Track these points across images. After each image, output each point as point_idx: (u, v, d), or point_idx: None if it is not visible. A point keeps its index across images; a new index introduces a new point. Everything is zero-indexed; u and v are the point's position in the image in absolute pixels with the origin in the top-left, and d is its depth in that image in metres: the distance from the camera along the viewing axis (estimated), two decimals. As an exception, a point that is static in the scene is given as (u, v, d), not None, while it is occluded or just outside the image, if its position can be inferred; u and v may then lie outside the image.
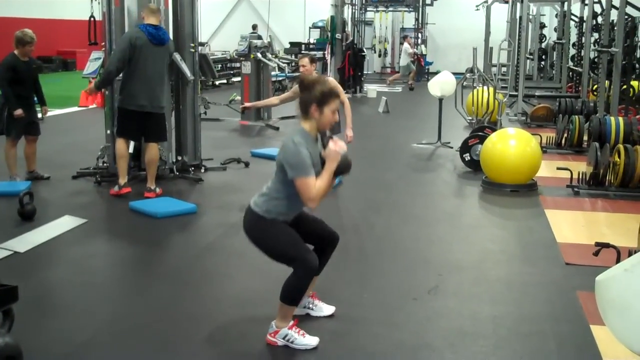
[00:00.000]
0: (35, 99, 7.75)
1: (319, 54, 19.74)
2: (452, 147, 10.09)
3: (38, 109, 7.84)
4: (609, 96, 11.02)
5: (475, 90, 11.66)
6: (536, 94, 15.49)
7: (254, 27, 22.71)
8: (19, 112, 7.29)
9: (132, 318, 4.26)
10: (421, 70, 22.30)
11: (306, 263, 3.71)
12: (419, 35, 24.26)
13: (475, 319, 4.26)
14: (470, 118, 12.21)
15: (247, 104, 8.42)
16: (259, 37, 13.38)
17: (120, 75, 7.09)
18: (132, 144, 7.56)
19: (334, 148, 3.70)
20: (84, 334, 3.99)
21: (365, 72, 20.74)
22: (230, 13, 28.28)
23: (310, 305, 4.21)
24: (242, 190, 7.59)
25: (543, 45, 21.75)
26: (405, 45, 21.18)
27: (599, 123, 9.25)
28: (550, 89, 17.04)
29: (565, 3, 17.14)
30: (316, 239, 4.00)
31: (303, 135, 3.72)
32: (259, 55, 12.80)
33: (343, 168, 3.76)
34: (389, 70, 26.58)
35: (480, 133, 8.89)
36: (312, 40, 23.91)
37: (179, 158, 8.15)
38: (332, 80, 7.45)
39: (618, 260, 4.35)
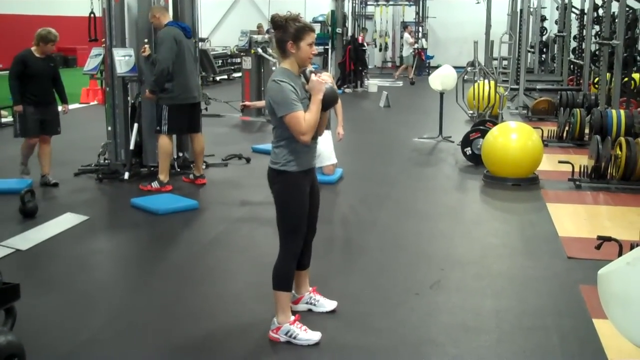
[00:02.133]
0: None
1: (319, 48, 19.73)
2: (453, 141, 10.08)
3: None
4: (610, 89, 10.99)
5: (476, 84, 11.64)
6: (537, 87, 15.44)
7: (259, 26, 22.63)
8: (18, 107, 7.20)
9: (134, 315, 4.27)
10: (422, 64, 22.26)
11: (292, 244, 3.80)
12: (420, 28, 24.19)
13: (478, 313, 4.26)
14: (471, 112, 12.19)
15: (247, 103, 8.42)
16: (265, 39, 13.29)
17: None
18: (133, 139, 7.57)
19: (317, 79, 3.69)
20: (87, 331, 3.99)
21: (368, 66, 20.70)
22: (230, 8, 28.23)
23: (312, 301, 4.21)
24: (244, 186, 7.59)
25: (544, 38, 21.70)
26: (406, 35, 21.17)
27: (601, 116, 9.23)
28: (551, 82, 16.99)
29: (566, -5, 17.09)
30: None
31: (284, 73, 3.72)
32: (260, 50, 12.78)
33: (329, 100, 3.75)
34: (389, 64, 26.54)
35: (481, 127, 8.88)
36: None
37: (180, 154, 8.16)
38: (327, 74, 7.46)
39: (620, 254, 4.34)
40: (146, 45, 7.39)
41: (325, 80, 3.72)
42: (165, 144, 7.23)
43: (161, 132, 7.22)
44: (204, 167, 8.19)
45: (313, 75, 3.73)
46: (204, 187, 7.47)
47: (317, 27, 24.60)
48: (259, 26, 21.36)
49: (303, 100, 3.69)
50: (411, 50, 20.88)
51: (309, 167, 3.87)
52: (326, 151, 7.60)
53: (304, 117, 3.63)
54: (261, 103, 9.72)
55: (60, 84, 7.56)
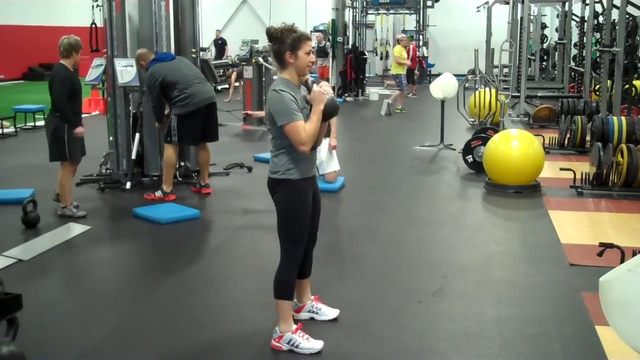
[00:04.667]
0: None
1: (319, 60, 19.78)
2: (454, 149, 10.09)
3: None
4: (611, 96, 11.00)
5: (477, 92, 11.66)
6: (538, 94, 15.46)
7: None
8: (80, 129, 6.50)
9: (137, 324, 4.26)
10: (423, 72, 22.29)
11: (293, 252, 3.79)
12: (420, 37, 24.24)
13: (480, 320, 4.26)
14: (472, 120, 12.20)
15: (249, 112, 8.44)
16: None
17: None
18: (135, 149, 7.59)
19: (319, 90, 3.70)
20: (89, 341, 3.99)
21: (367, 75, 20.73)
22: (231, 18, 28.31)
23: (314, 309, 4.21)
24: (245, 195, 7.60)
25: (545, 45, 21.73)
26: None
27: (602, 123, 9.24)
28: (552, 90, 17.00)
29: (566, 3, 17.10)
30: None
31: (284, 83, 3.72)
32: (261, 59, 12.82)
33: (330, 110, 3.74)
34: (390, 72, 26.56)
35: (482, 134, 8.88)
36: (313, 44, 23.90)
37: (182, 164, 8.17)
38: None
39: (622, 261, 4.34)
40: None
41: (327, 90, 3.74)
42: (170, 155, 7.26)
43: (171, 142, 7.25)
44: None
45: (315, 85, 3.74)
46: (206, 197, 7.48)
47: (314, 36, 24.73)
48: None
49: (303, 110, 3.70)
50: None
51: (311, 175, 3.87)
52: (329, 158, 7.61)
53: (304, 127, 3.63)
54: (263, 113, 9.77)
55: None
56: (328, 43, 18.58)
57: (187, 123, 7.20)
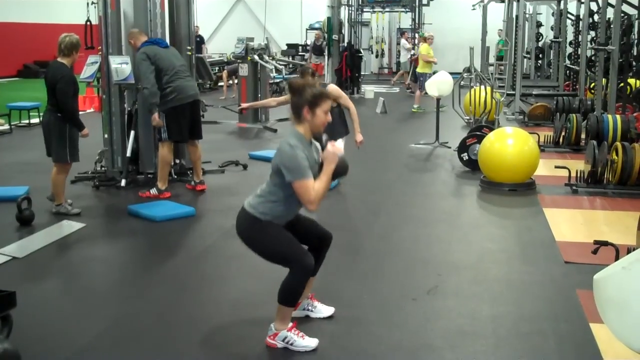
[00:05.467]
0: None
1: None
2: (450, 147, 10.10)
3: None
4: (606, 94, 11.02)
5: (472, 90, 11.66)
6: (533, 92, 15.47)
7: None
8: (86, 131, 6.46)
9: (131, 322, 4.26)
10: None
11: (302, 263, 3.72)
12: (416, 35, 24.25)
13: (475, 318, 4.27)
14: (467, 118, 12.20)
15: (244, 105, 8.45)
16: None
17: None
18: (130, 147, 7.57)
19: (332, 150, 3.71)
20: (83, 339, 3.98)
21: (362, 73, 20.74)
22: (226, 15, 28.27)
23: (310, 307, 4.21)
24: (241, 192, 7.58)
25: (540, 44, 21.75)
26: (403, 41, 21.19)
27: (597, 121, 9.26)
28: (547, 88, 17.03)
29: (562, 1, 17.14)
30: (312, 239, 4.01)
31: (298, 138, 3.73)
32: (256, 57, 12.81)
33: (341, 170, 3.78)
34: (386, 70, 26.58)
35: (478, 132, 8.90)
36: (308, 42, 23.89)
37: (177, 161, 8.15)
38: (334, 87, 7.47)
39: (617, 258, 4.35)
40: None
41: (339, 149, 3.75)
42: (166, 153, 7.24)
43: (161, 139, 7.24)
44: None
45: (329, 144, 3.75)
46: (201, 194, 7.47)
47: (313, 34, 24.70)
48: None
49: (312, 167, 3.71)
50: (409, 56, 20.93)
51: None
52: None
53: (314, 186, 3.64)
54: (259, 103, 9.85)
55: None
56: (324, 42, 18.60)
57: (175, 119, 7.19)
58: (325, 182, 3.69)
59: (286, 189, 3.70)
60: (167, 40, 7.82)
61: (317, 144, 3.88)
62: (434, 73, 13.19)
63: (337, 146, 3.75)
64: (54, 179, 6.53)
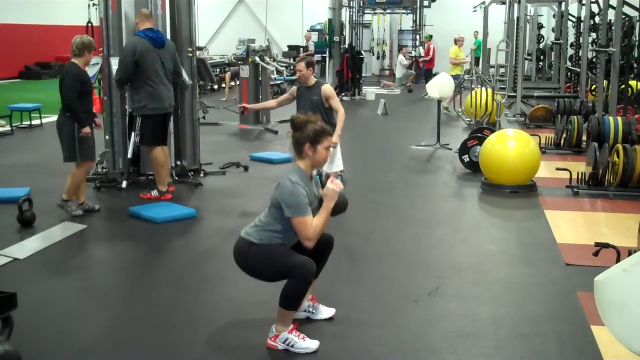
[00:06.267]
0: None
1: (317, 57, 19.78)
2: (451, 149, 10.09)
3: None
4: (607, 96, 11.03)
5: (473, 92, 11.67)
6: (534, 94, 15.48)
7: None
8: (87, 130, 6.42)
9: (132, 323, 4.26)
10: (420, 72, 22.31)
11: (303, 271, 3.73)
12: (417, 37, 24.26)
13: (476, 320, 4.26)
14: (469, 119, 12.21)
15: (245, 105, 8.45)
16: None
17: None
18: (130, 148, 7.57)
19: (332, 187, 3.76)
20: (84, 340, 3.98)
21: (363, 74, 20.74)
22: (228, 17, 28.28)
23: (311, 309, 4.21)
24: (242, 194, 7.59)
25: (541, 45, 21.76)
26: (400, 57, 21.17)
27: (598, 123, 9.26)
28: (548, 90, 17.03)
29: (563, 3, 17.13)
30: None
31: (299, 174, 3.78)
32: (257, 59, 12.81)
33: (341, 206, 3.87)
34: (387, 72, 26.58)
35: (479, 134, 8.89)
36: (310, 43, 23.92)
37: (178, 163, 8.16)
38: (328, 87, 7.47)
39: (618, 260, 4.34)
40: None
41: (339, 186, 3.79)
42: (155, 155, 7.18)
43: (138, 142, 7.31)
44: (201, 175, 8.21)
45: (329, 181, 3.80)
46: (202, 195, 7.47)
47: (315, 36, 24.74)
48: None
49: (312, 202, 3.77)
50: (404, 72, 20.97)
51: None
52: (332, 158, 7.56)
53: (312, 223, 3.70)
54: (259, 105, 9.86)
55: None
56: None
57: (155, 125, 7.18)
58: (324, 219, 3.76)
59: (285, 222, 3.76)
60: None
61: (317, 178, 3.96)
62: (466, 73, 13.24)
63: (337, 182, 3.80)
64: (71, 175, 6.54)
